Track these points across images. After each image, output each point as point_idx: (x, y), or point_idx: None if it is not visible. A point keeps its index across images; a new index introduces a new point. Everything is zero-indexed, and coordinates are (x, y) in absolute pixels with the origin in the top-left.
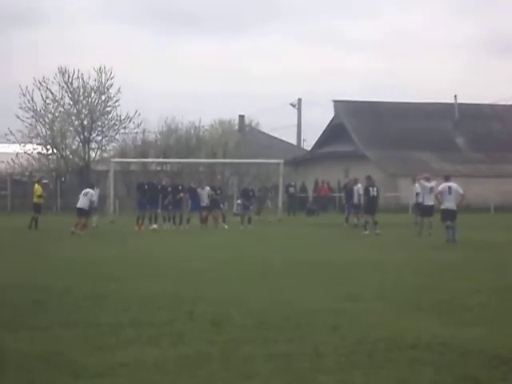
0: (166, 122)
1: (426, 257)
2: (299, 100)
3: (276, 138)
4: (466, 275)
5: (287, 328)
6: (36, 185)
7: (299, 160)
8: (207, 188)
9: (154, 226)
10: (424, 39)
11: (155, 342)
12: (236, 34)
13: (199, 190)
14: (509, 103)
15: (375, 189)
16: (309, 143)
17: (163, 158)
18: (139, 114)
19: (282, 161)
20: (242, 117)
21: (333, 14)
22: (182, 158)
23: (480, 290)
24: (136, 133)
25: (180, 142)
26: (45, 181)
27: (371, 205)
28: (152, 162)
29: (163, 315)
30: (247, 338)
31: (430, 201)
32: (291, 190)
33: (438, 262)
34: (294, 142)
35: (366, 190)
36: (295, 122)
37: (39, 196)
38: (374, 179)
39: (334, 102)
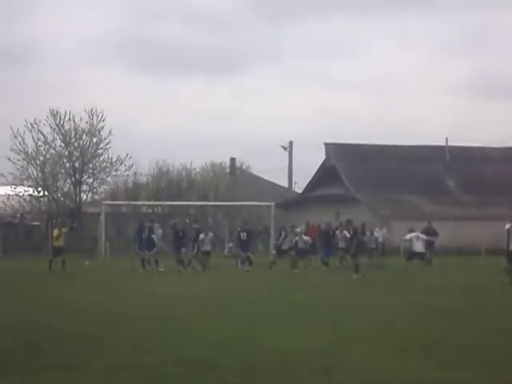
0: (157, 164)
1: (414, 300)
2: (290, 142)
3: (267, 181)
4: (454, 318)
5: (276, 372)
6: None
7: (290, 203)
8: (210, 234)
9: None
10: (414, 81)
11: None
12: (226, 75)
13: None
14: (499, 145)
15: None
16: (300, 186)
17: (154, 200)
18: (130, 157)
19: (273, 203)
20: (233, 159)
21: (322, 55)
22: (173, 200)
23: (469, 333)
24: (127, 175)
25: (171, 185)
26: (36, 223)
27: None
28: (143, 205)
29: (153, 358)
30: (237, 382)
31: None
32: (283, 233)
33: (426, 305)
34: (285, 184)
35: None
36: (286, 165)
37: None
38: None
39: (326, 144)
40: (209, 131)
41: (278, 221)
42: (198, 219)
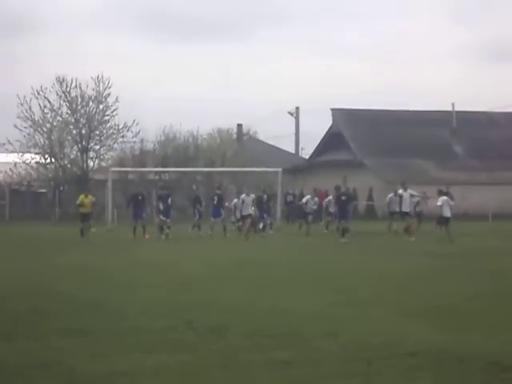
0: (163, 131)
1: (423, 264)
2: (297, 108)
3: (274, 147)
4: (463, 282)
5: (286, 335)
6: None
7: (298, 168)
8: (252, 195)
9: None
10: (420, 46)
11: (154, 349)
12: (233, 41)
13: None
14: (506, 110)
15: (344, 197)
16: (307, 151)
17: (161, 167)
18: (137, 123)
19: (280, 169)
20: (240, 125)
21: (330, 21)
22: (179, 167)
23: (478, 297)
24: (134, 142)
25: (178, 151)
26: (43, 190)
27: (342, 212)
28: (150, 171)
29: (162, 323)
30: (246, 346)
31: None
32: (289, 198)
33: (435, 268)
34: (292, 150)
35: (338, 199)
36: (293, 131)
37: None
38: (343, 188)
39: (332, 110)
40: (216, 98)
41: (285, 187)
42: (220, 185)
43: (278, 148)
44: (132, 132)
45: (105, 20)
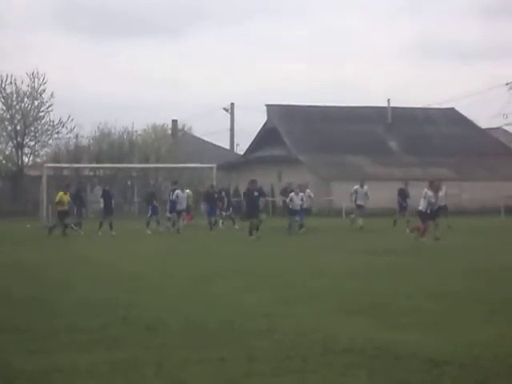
0: (98, 126)
1: (361, 261)
2: (232, 104)
3: (209, 143)
4: (400, 280)
5: (221, 332)
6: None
7: (232, 164)
8: (187, 191)
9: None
10: (358, 43)
11: (89, 347)
12: (168, 38)
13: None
14: (441, 106)
15: (256, 193)
16: (242, 148)
17: (96, 162)
18: (72, 119)
19: (215, 165)
20: (175, 121)
21: (265, 17)
22: (114, 162)
23: (415, 295)
24: (69, 138)
25: (113, 147)
26: None
27: (252, 208)
28: (85, 167)
29: (98, 320)
30: (181, 343)
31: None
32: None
33: (373, 266)
34: (227, 146)
35: (249, 193)
36: (228, 127)
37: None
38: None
39: (267, 106)
40: (150, 94)
41: (220, 183)
42: (177, 181)
43: (212, 144)
44: (67, 128)
45: (40, 16)
